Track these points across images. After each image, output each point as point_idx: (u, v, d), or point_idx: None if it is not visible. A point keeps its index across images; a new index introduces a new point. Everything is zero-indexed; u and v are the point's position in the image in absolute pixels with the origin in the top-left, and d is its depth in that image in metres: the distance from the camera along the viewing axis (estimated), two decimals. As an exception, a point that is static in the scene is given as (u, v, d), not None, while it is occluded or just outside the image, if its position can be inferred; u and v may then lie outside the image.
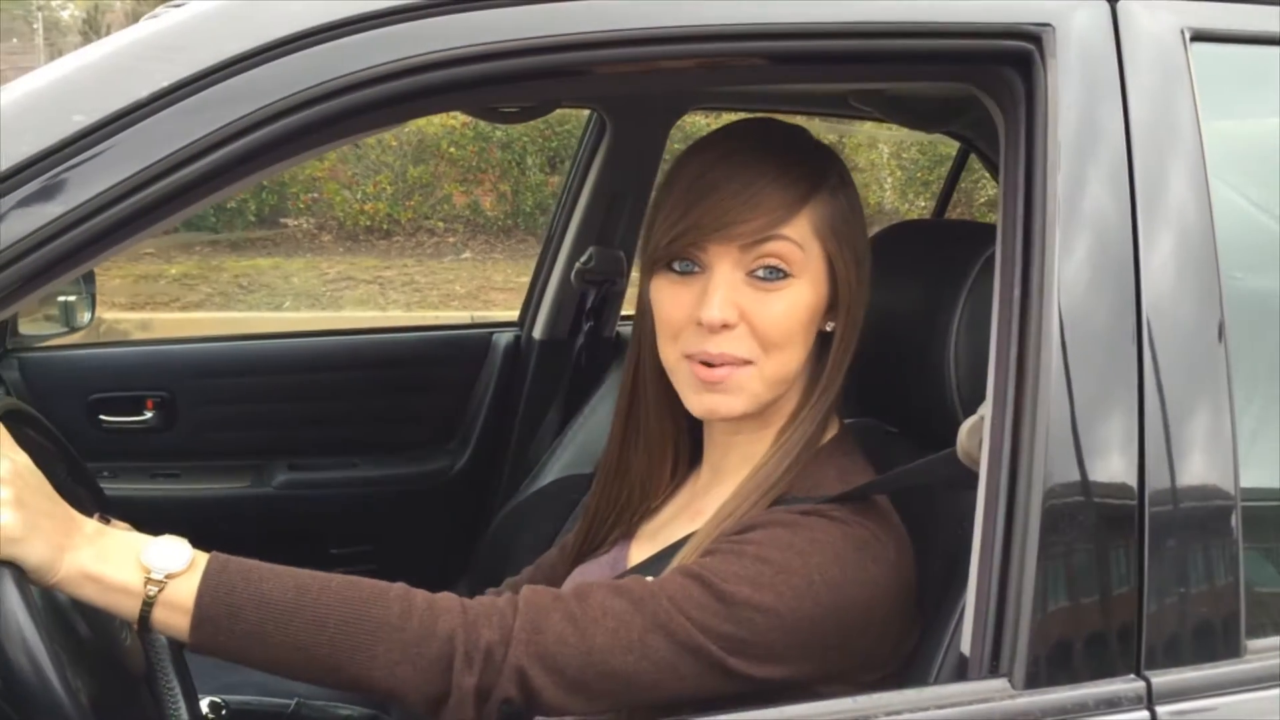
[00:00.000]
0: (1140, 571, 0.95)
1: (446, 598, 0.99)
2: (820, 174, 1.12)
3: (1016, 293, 0.98)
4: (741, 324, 1.08)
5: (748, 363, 1.09)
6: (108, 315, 7.33)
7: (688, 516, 1.19)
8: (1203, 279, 1.00)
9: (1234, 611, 0.98)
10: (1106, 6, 1.01)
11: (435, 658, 0.95)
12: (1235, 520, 0.98)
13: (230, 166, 0.84)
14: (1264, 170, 1.13)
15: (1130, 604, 0.95)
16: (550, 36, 0.89)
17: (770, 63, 1.00)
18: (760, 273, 1.09)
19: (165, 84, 0.83)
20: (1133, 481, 0.96)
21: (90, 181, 0.82)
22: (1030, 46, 0.98)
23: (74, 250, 0.83)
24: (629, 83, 1.11)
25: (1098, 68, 0.99)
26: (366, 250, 9.48)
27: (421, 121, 9.10)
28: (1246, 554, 0.98)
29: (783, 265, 1.09)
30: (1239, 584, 0.98)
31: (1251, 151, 1.14)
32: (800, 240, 1.09)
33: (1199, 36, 1.03)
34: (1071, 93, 0.98)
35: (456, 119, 8.89)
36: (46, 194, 0.81)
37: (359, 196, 9.55)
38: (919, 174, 9.02)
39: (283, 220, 9.69)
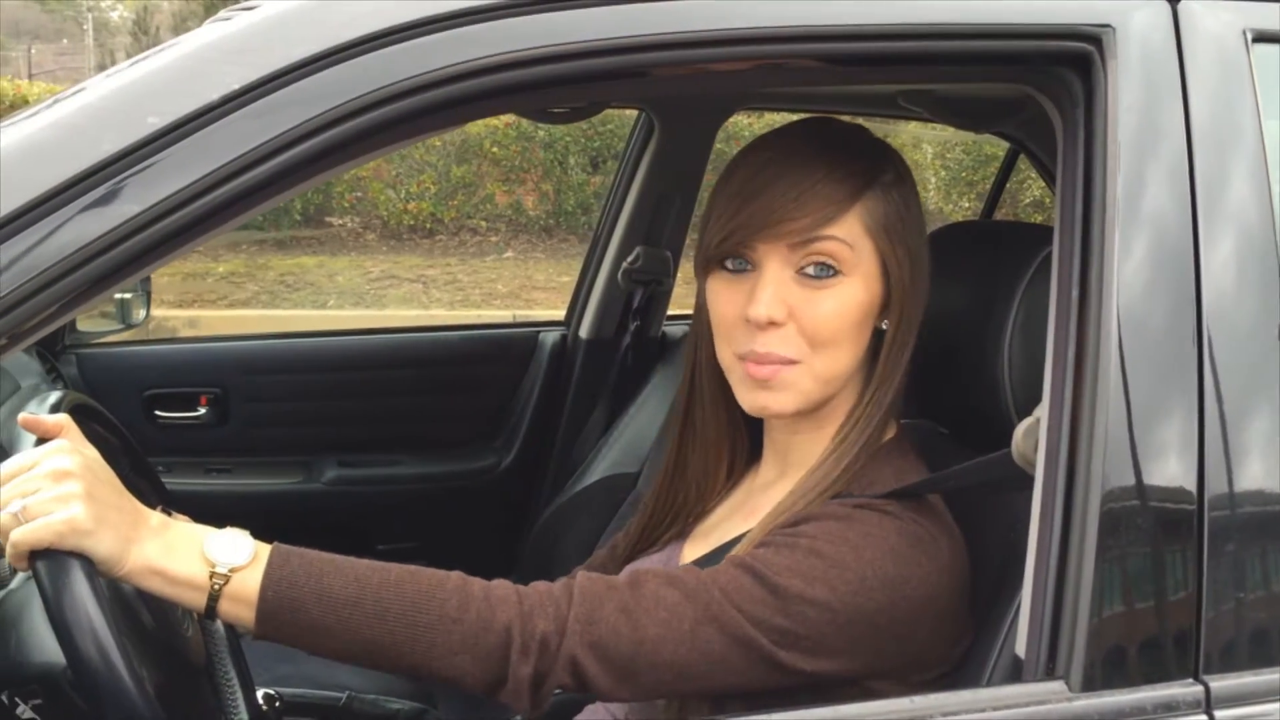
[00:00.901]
0: (1199, 575, 0.94)
1: (502, 586, 1.00)
2: (873, 171, 1.11)
3: (1074, 294, 0.97)
4: (790, 323, 1.09)
5: (794, 362, 1.09)
6: (156, 312, 7.42)
7: (743, 516, 1.19)
8: (1263, 281, 0.99)
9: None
10: (1167, 7, 1.01)
11: (493, 647, 0.97)
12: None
13: (299, 167, 0.86)
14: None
15: (1189, 608, 0.94)
16: (613, 39, 0.90)
17: (828, 64, 1.00)
18: (810, 270, 1.09)
19: (236, 86, 0.85)
20: (1192, 485, 0.95)
21: (163, 182, 0.83)
22: (1090, 48, 0.98)
23: (146, 249, 0.85)
24: (687, 84, 1.12)
25: (1158, 69, 0.99)
26: (410, 249, 9.56)
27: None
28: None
29: (832, 263, 1.08)
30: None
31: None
32: (849, 239, 1.09)
33: (1261, 38, 1.02)
34: (1131, 94, 0.98)
35: (500, 119, 8.94)
36: (122, 194, 0.83)
37: (403, 196, 9.62)
38: (963, 174, 8.96)
39: (328, 219, 9.78)
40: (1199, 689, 0.93)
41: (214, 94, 0.84)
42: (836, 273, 1.09)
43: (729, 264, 1.12)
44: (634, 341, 2.48)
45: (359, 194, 9.71)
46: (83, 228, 0.83)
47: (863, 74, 1.13)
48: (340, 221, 9.80)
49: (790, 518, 1.07)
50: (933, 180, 9.10)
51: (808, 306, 1.08)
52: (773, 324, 1.08)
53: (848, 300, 1.09)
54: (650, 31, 0.92)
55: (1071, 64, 0.99)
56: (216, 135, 0.84)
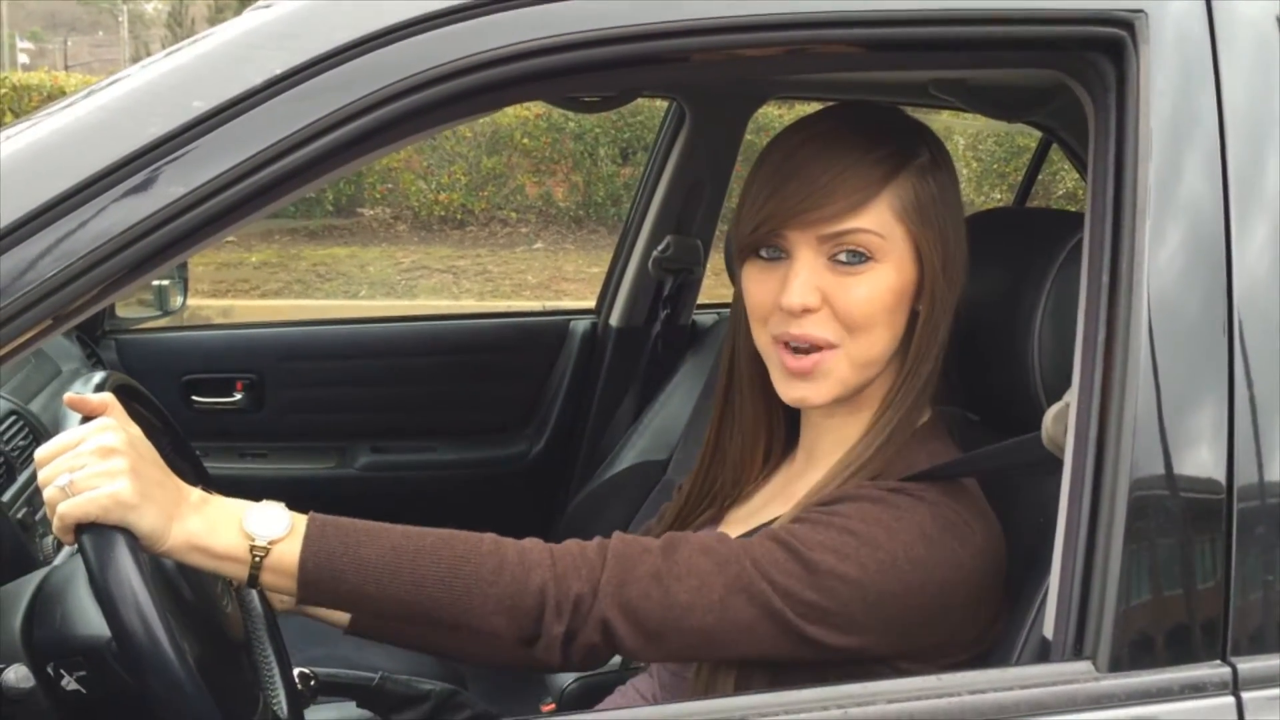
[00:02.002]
0: (1228, 561, 0.94)
1: (536, 548, 1.02)
2: (906, 155, 1.11)
3: (1105, 279, 0.97)
4: (824, 308, 1.09)
5: (833, 346, 1.10)
6: (191, 301, 7.51)
7: (780, 502, 1.20)
8: (1296, 269, 0.99)
9: (1323, 601, 0.97)
10: (1200, -8, 1.01)
11: (529, 608, 1.00)
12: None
13: (338, 151, 0.87)
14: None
15: (1217, 592, 0.94)
16: (647, 24, 0.91)
17: (859, 50, 1.00)
18: (841, 257, 1.09)
19: (278, 71, 0.86)
20: (1221, 471, 0.95)
21: (207, 165, 0.85)
22: (1122, 33, 0.98)
23: (189, 232, 0.86)
24: (719, 70, 1.13)
25: (1191, 54, 0.99)
26: (440, 240, 9.60)
27: (495, 112, 9.20)
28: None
29: (863, 249, 1.09)
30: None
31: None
32: (878, 227, 1.09)
33: (1295, 23, 1.02)
34: (1164, 79, 0.98)
35: (530, 110, 8.97)
36: (166, 178, 0.85)
37: (434, 187, 9.67)
38: (995, 165, 8.90)
39: (359, 210, 9.84)
40: (1226, 670, 0.93)
41: (257, 78, 0.86)
42: (868, 258, 1.09)
43: (763, 252, 1.13)
44: (664, 330, 2.50)
45: (390, 185, 9.76)
46: (127, 211, 0.85)
47: (895, 60, 1.13)
48: (372, 212, 9.86)
49: (825, 496, 1.08)
50: (964, 172, 9.04)
51: (841, 292, 1.09)
52: (807, 310, 1.09)
53: (880, 285, 1.09)
54: (683, 17, 0.92)
55: (1104, 49, 0.99)
56: (259, 119, 0.86)
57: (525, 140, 9.50)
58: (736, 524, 1.24)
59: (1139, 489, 0.93)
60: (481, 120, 9.26)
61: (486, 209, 9.79)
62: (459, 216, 9.73)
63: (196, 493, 0.99)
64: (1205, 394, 0.96)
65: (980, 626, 1.08)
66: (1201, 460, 0.95)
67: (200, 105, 0.85)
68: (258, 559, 0.96)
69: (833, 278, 1.09)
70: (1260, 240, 0.99)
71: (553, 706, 1.78)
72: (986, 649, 1.09)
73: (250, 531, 0.97)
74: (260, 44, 0.89)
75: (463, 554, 1.00)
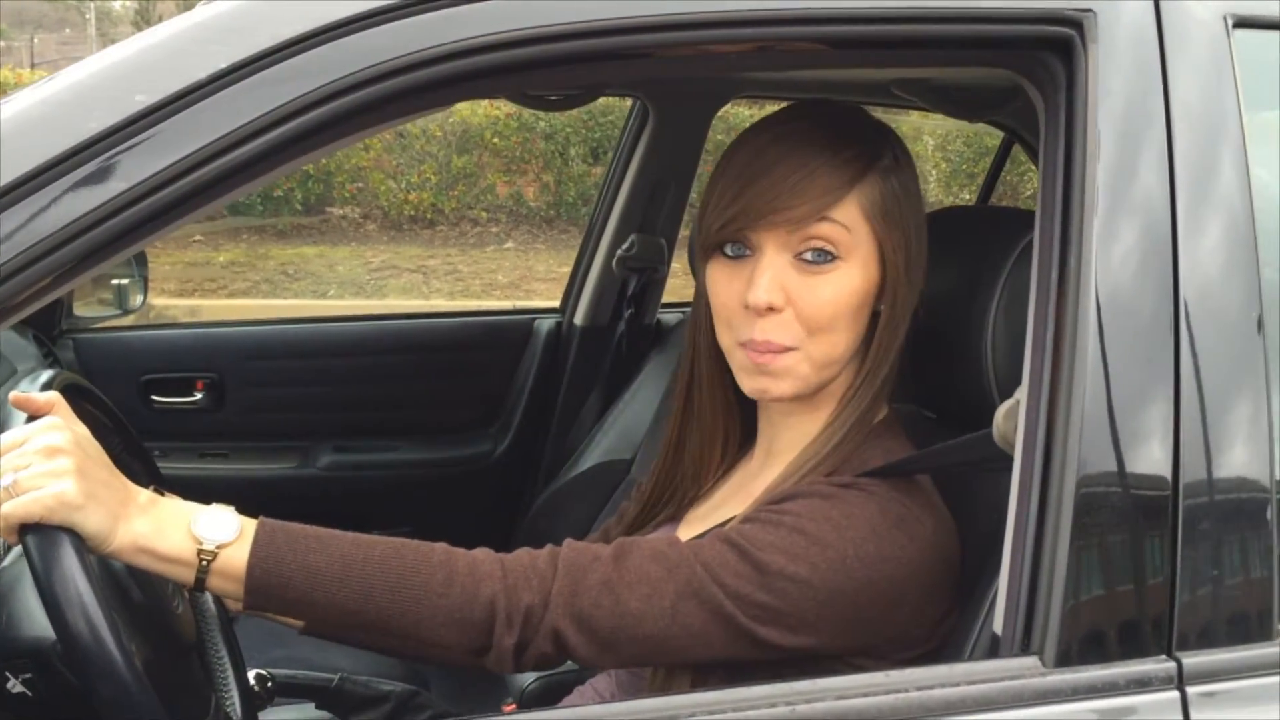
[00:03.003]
0: (1174, 557, 0.95)
1: (487, 559, 1.02)
2: (872, 155, 1.12)
3: (1054, 277, 0.98)
4: (788, 308, 1.09)
5: (792, 349, 1.10)
6: (157, 301, 7.45)
7: (738, 500, 1.20)
8: (1242, 268, 1.00)
9: (1267, 597, 0.98)
10: (1149, -8, 1.01)
11: (478, 620, 0.99)
12: (1271, 510, 0.98)
13: (285, 146, 0.86)
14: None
15: (1163, 588, 0.95)
16: (605, 20, 0.91)
17: (821, 48, 1.00)
18: (808, 255, 1.09)
19: (224, 65, 0.85)
20: (1168, 468, 0.96)
21: (151, 160, 0.84)
22: (1071, 32, 0.98)
23: (134, 226, 0.85)
24: (680, 67, 1.13)
25: (1139, 54, 0.99)
26: (410, 239, 9.56)
27: (466, 112, 9.16)
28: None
29: (830, 248, 1.09)
30: (1273, 572, 0.98)
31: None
32: (848, 223, 1.09)
33: (1242, 23, 1.03)
34: (1112, 78, 0.98)
35: (501, 109, 8.95)
36: (109, 171, 0.84)
37: (404, 186, 9.63)
38: (964, 165, 8.95)
39: (328, 209, 9.78)
40: (1171, 665, 0.94)
41: (201, 72, 0.85)
42: (834, 258, 1.09)
43: (728, 249, 1.13)
44: (628, 329, 2.50)
45: (360, 184, 9.71)
46: (72, 204, 0.84)
47: (853, 58, 1.14)
48: (341, 211, 9.81)
49: (776, 495, 1.08)
50: (933, 173, 9.09)
51: (806, 292, 1.09)
52: (771, 309, 1.09)
53: (845, 285, 1.10)
54: (643, 13, 0.92)
55: (1053, 48, 1.00)
56: (204, 113, 0.85)
57: (496, 140, 9.48)
58: (695, 522, 1.24)
59: (1086, 485, 0.94)
60: (452, 119, 9.25)
61: (457, 208, 9.76)
62: (429, 216, 9.69)
63: (145, 494, 0.98)
64: (1152, 391, 0.97)
65: (932, 621, 1.08)
66: (1148, 456, 0.96)
67: (143, 99, 0.84)
68: (205, 563, 0.95)
69: (798, 277, 1.09)
70: (1207, 238, 1.00)
71: (514, 707, 1.78)
72: (941, 644, 1.09)
73: (198, 534, 0.95)
74: (205, 38, 0.88)
75: (413, 565, 0.99)
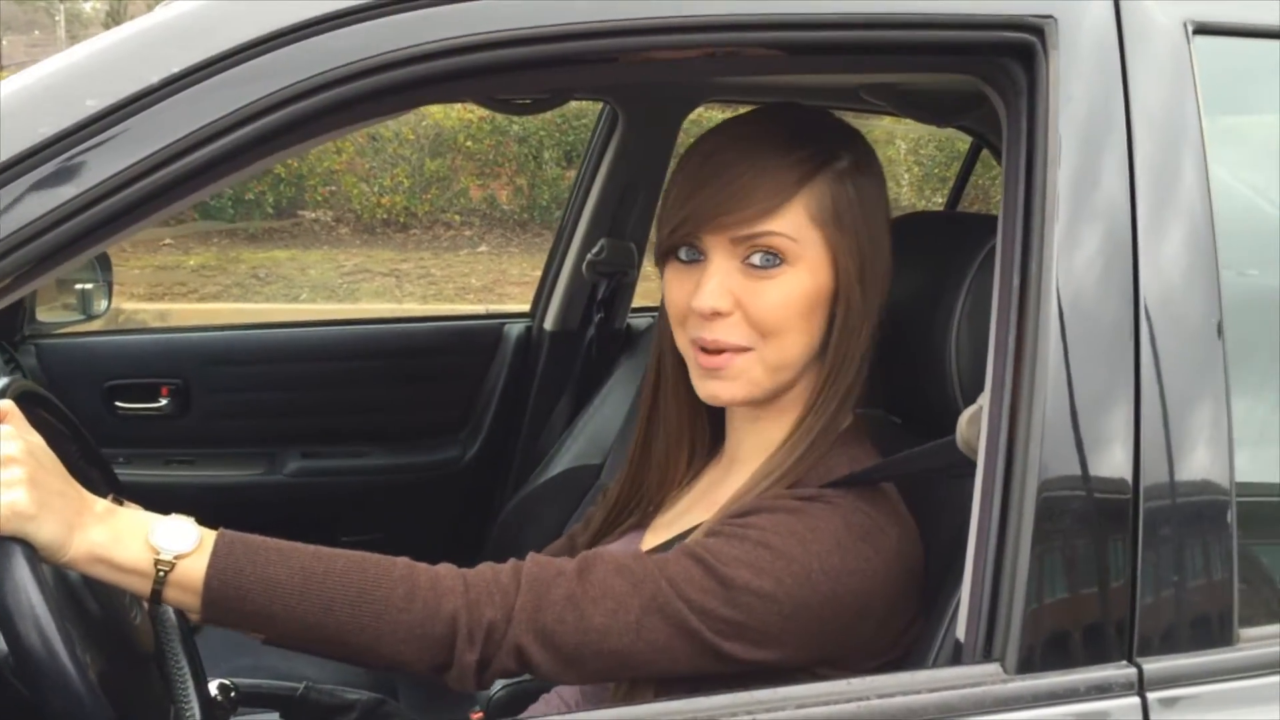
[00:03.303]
0: (1134, 562, 0.95)
1: (449, 574, 1.00)
2: (824, 158, 1.11)
3: (1015, 283, 0.98)
4: (737, 311, 1.09)
5: (746, 349, 1.10)
6: (126, 305, 7.39)
7: (703, 508, 1.20)
8: (1202, 273, 1.00)
9: (1227, 602, 0.98)
10: (1109, -1, 1.02)
11: (439, 636, 0.98)
12: (1231, 514, 0.98)
13: (239, 152, 0.85)
14: (1266, 165, 1.13)
15: (1124, 593, 0.95)
16: (562, 25, 0.90)
17: (776, 53, 1.01)
18: (754, 260, 1.09)
19: (176, 69, 0.84)
20: (1128, 473, 0.96)
21: (102, 165, 0.83)
22: (1032, 38, 0.99)
23: (86, 232, 0.84)
24: (646, 72, 1.12)
25: (1100, 60, 1.00)
26: (383, 243, 9.51)
27: (439, 115, 9.14)
28: (1241, 546, 0.98)
29: (775, 252, 1.09)
30: (1233, 576, 0.98)
31: (1252, 146, 1.14)
32: (791, 232, 1.09)
33: (1202, 30, 1.03)
34: (1073, 85, 0.99)
35: (474, 113, 8.91)
36: (61, 176, 0.83)
37: (376, 189, 9.58)
38: (936, 170, 8.99)
39: (300, 212, 9.72)
40: (1132, 671, 0.94)
41: (153, 76, 0.84)
42: (781, 262, 1.09)
43: (682, 254, 1.13)
44: (598, 334, 2.49)
45: (332, 187, 9.66)
46: (29, 206, 0.83)
47: (814, 64, 1.14)
48: (313, 215, 9.75)
49: (742, 507, 1.08)
50: (906, 177, 9.12)
51: (753, 296, 1.09)
52: (718, 314, 1.09)
53: (793, 289, 1.09)
54: (604, 17, 0.92)
55: (1015, 54, 1.00)
56: (156, 118, 0.84)
57: (469, 143, 9.45)
58: (660, 530, 1.23)
59: (1047, 490, 0.94)
60: (425, 122, 9.21)
61: (430, 212, 9.72)
62: (402, 219, 9.65)
63: (102, 503, 0.96)
64: (1113, 396, 0.97)
65: (899, 629, 1.08)
66: (1109, 461, 0.96)
67: (94, 104, 0.83)
68: (162, 573, 0.94)
69: (745, 281, 1.09)
70: (1168, 244, 1.00)
71: (480, 715, 1.76)
72: (906, 653, 1.09)
73: (156, 545, 0.94)
74: (158, 42, 0.87)
75: (374, 579, 0.98)
